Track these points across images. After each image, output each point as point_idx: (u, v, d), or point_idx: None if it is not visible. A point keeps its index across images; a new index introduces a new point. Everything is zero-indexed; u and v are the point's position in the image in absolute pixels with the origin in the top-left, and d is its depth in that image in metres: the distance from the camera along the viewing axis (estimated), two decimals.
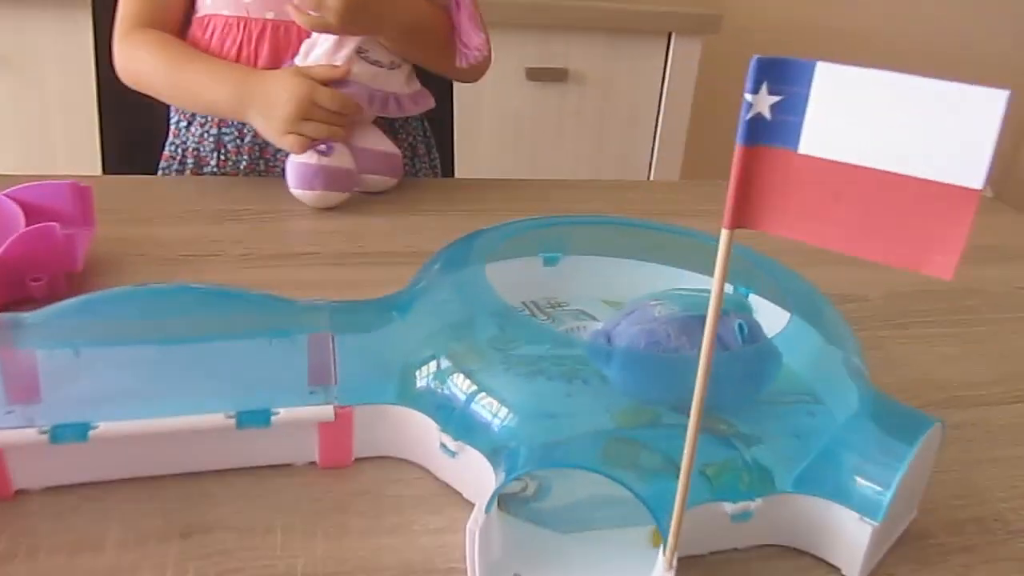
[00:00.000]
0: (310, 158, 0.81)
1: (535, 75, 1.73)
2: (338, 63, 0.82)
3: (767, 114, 0.28)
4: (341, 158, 0.82)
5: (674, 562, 0.36)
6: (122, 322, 0.45)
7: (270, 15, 0.85)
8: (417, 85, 0.90)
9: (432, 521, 0.43)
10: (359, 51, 0.83)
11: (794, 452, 0.44)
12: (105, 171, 1.10)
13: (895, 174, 0.27)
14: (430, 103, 0.91)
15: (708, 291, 0.52)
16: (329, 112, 0.81)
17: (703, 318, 0.50)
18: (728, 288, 0.59)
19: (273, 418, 0.43)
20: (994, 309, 0.73)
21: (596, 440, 0.42)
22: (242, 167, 0.92)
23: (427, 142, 1.04)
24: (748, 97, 0.28)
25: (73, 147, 1.61)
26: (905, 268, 0.27)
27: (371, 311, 0.50)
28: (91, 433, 0.41)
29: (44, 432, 0.41)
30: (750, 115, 0.28)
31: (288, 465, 0.46)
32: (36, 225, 0.58)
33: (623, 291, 0.63)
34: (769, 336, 0.48)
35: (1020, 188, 2.68)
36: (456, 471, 0.44)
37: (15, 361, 0.43)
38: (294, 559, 0.40)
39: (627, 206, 0.91)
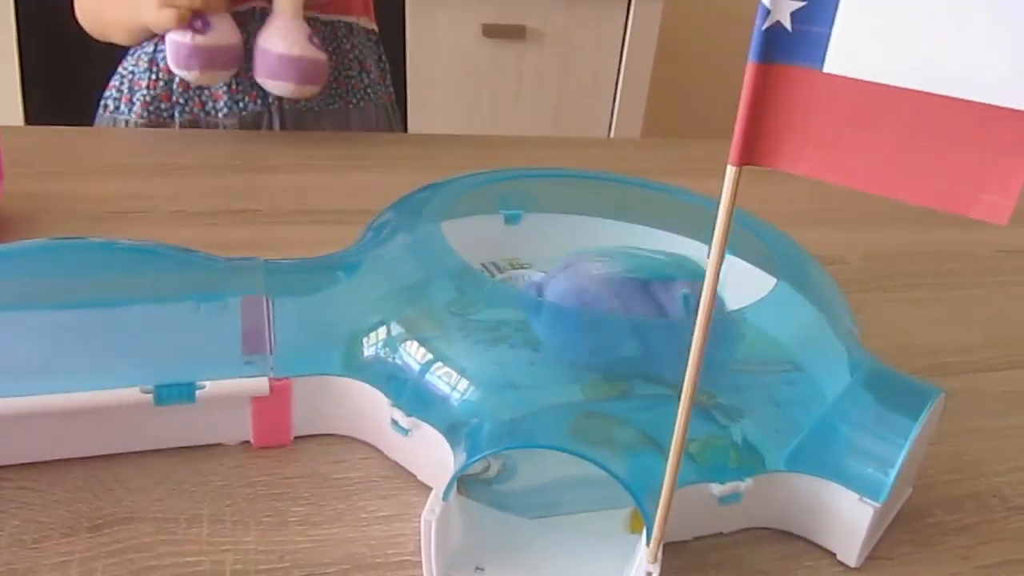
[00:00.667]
0: (184, 36, 0.75)
1: (492, 32, 1.66)
2: None
3: (787, 23, 0.23)
4: (220, 34, 0.75)
5: (659, 554, 0.32)
6: (23, 281, 0.38)
7: None
8: None
9: (382, 507, 0.38)
10: None
11: (780, 425, 0.40)
12: (28, 122, 1.02)
13: (940, 96, 0.22)
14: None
15: (661, 253, 0.48)
16: None
17: (643, 283, 0.46)
18: (700, 250, 0.55)
19: (198, 392, 0.38)
20: (978, 273, 0.69)
21: (565, 414, 0.38)
22: (174, 86, 0.86)
23: (381, 66, 0.98)
24: (764, 1, 0.23)
25: None
26: (950, 211, 0.23)
27: (313, 271, 0.44)
28: None
29: None
30: (766, 24, 0.23)
31: (217, 445, 0.41)
32: None
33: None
34: (751, 302, 0.44)
35: None
36: (409, 450, 0.39)
37: None
38: (222, 553, 0.35)
39: (590, 164, 0.86)
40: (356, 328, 0.41)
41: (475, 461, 0.34)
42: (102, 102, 0.92)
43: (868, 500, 0.36)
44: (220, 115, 0.86)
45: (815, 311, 0.46)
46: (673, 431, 0.29)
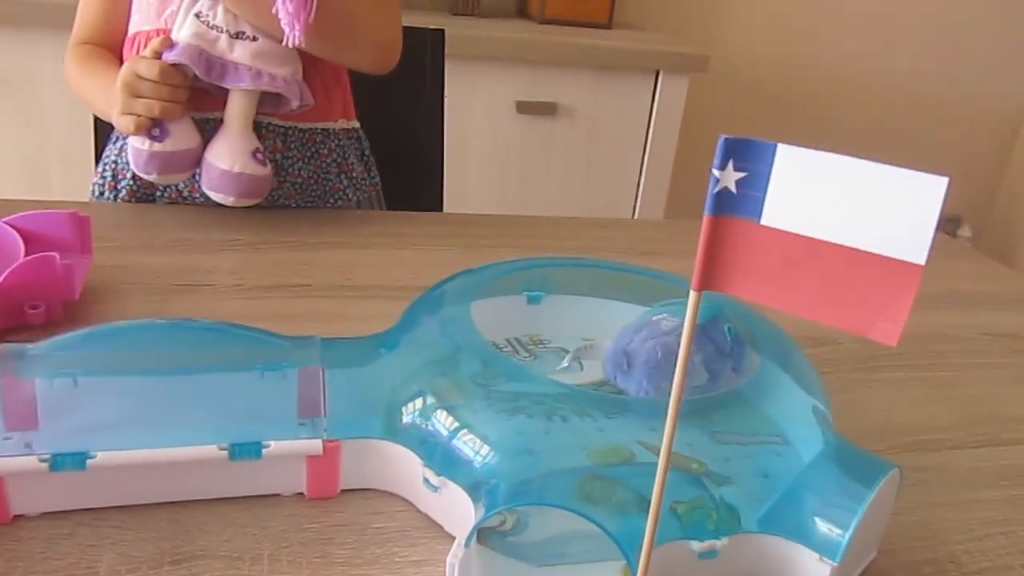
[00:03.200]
0: (143, 143, 0.79)
1: (525, 108, 1.76)
2: (180, 31, 0.79)
3: (733, 188, 0.30)
4: (177, 141, 0.80)
5: None
6: (120, 354, 0.47)
7: None
8: (281, 71, 0.82)
9: (413, 553, 0.45)
10: (198, 15, 0.80)
11: (761, 492, 0.46)
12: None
13: (847, 247, 0.29)
14: (291, 94, 0.83)
15: (679, 300, 0.56)
16: (153, 84, 0.77)
17: (704, 325, 0.54)
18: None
19: (264, 450, 0.45)
20: (962, 354, 0.76)
21: (572, 477, 0.45)
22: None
23: (364, 161, 1.00)
24: (715, 172, 0.30)
25: (69, 170, 1.63)
26: (855, 332, 0.30)
27: (360, 347, 0.52)
28: (89, 462, 0.43)
29: (44, 460, 0.43)
30: (717, 189, 0.30)
31: (276, 496, 0.48)
32: (36, 255, 0.60)
33: (602, 330, 0.65)
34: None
35: (996, 233, 2.73)
36: (438, 505, 0.46)
37: (15, 390, 0.45)
38: None
39: (611, 244, 0.94)
40: (395, 397, 0.48)
41: (492, 515, 0.41)
42: (91, 188, 0.97)
43: (827, 559, 0.42)
44: (197, 202, 0.90)
45: (798, 389, 0.52)
46: (668, 493, 0.36)
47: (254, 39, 0.81)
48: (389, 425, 0.47)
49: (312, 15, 0.75)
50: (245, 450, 0.45)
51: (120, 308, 0.66)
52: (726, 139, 0.30)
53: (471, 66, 1.69)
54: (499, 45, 1.73)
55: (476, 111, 1.74)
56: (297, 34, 0.76)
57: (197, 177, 0.84)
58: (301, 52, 0.83)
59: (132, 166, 0.82)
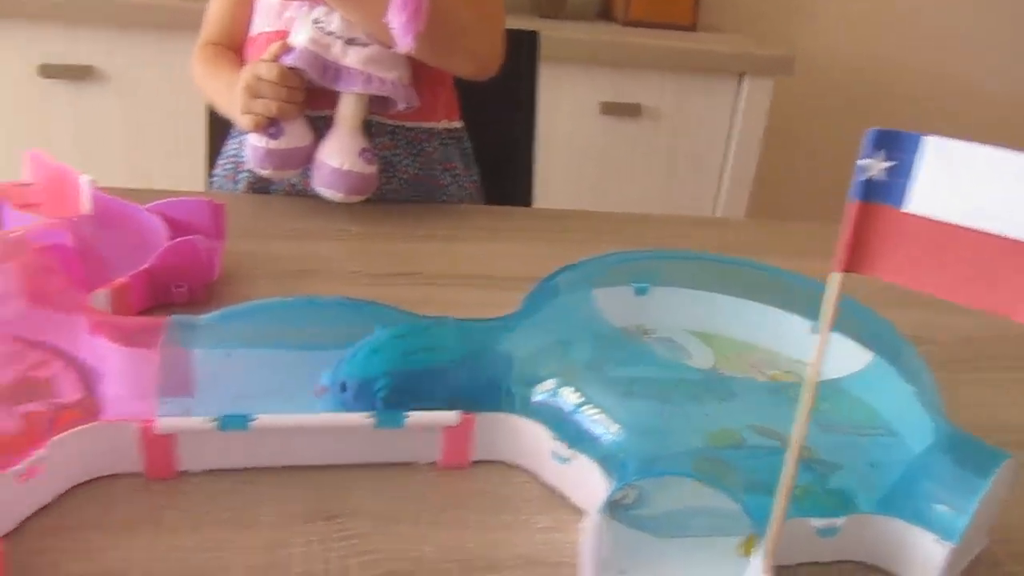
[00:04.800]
0: (260, 140, 0.85)
1: (609, 110, 1.79)
2: (297, 36, 0.84)
3: (879, 176, 0.32)
4: (292, 139, 0.85)
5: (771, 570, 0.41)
6: (276, 327, 0.51)
7: None
8: (391, 75, 0.86)
9: (541, 520, 0.48)
10: (315, 21, 0.84)
11: (871, 479, 0.48)
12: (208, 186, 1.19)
13: (991, 234, 0.31)
14: (400, 97, 0.87)
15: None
16: (272, 85, 0.82)
17: None
18: (803, 325, 0.64)
19: (406, 420, 0.49)
20: None
21: (688, 457, 0.47)
22: None
23: (464, 159, 1.04)
24: (862, 163, 0.32)
25: (170, 164, 1.71)
26: (995, 314, 0.32)
27: (489, 328, 0.55)
28: (251, 424, 0.47)
29: (213, 421, 0.47)
30: (864, 177, 0.33)
31: (410, 464, 0.52)
32: (183, 238, 0.65)
33: (706, 323, 0.67)
34: (850, 373, 0.52)
35: None
36: (565, 477, 0.49)
37: (177, 358, 0.49)
38: (423, 546, 0.45)
39: (699, 242, 0.96)
40: (525, 375, 0.51)
41: (624, 486, 0.44)
42: (211, 179, 1.04)
43: (944, 541, 0.44)
44: (309, 195, 0.94)
45: (907, 385, 0.54)
46: (777, 475, 0.39)
47: (366, 45, 0.85)
48: (520, 401, 0.51)
49: (423, 24, 0.79)
50: (389, 419, 0.49)
51: (252, 290, 0.70)
52: (875, 131, 0.32)
53: (556, 68, 1.72)
54: (583, 47, 1.76)
55: (561, 112, 1.77)
56: (408, 41, 0.80)
57: (308, 173, 0.88)
58: (408, 57, 0.86)
59: (250, 161, 0.87)
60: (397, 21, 0.79)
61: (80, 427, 0.46)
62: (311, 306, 0.53)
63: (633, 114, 1.81)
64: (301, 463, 0.50)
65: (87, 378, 0.51)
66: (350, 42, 0.84)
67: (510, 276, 0.79)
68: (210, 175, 1.05)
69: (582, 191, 1.84)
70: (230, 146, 1.01)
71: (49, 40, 1.60)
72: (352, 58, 0.84)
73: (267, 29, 0.91)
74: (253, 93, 0.83)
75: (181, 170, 1.67)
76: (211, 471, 0.49)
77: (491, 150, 1.15)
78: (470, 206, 1.01)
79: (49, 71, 1.61)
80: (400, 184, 0.94)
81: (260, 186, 0.96)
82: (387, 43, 0.84)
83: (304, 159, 0.87)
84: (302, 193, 0.94)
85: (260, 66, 0.83)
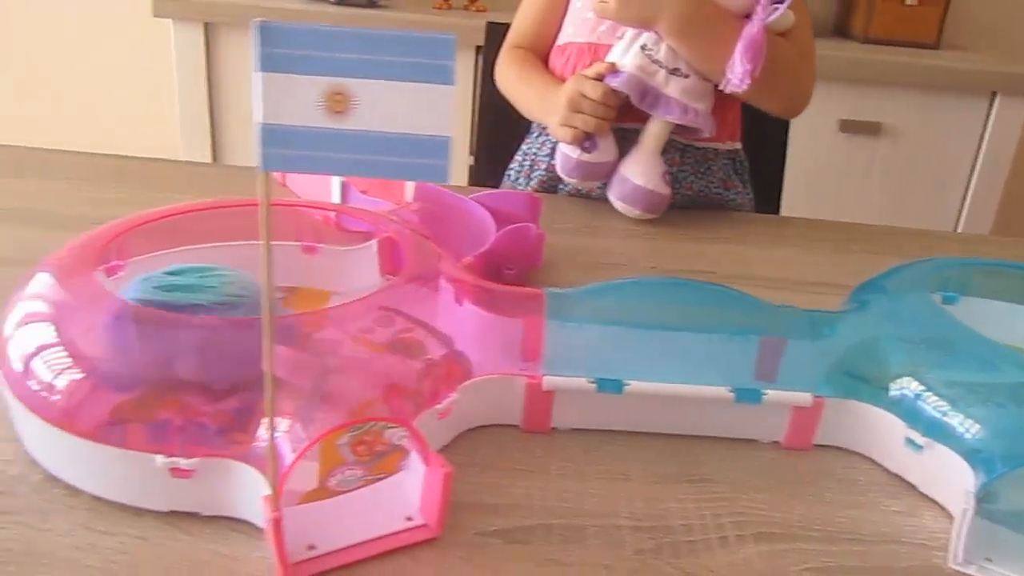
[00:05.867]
0: (574, 152, 0.90)
1: (848, 127, 1.76)
2: (624, 59, 0.89)
3: None
4: (602, 154, 0.91)
5: None
6: (643, 304, 0.56)
7: (616, 40, 0.93)
8: (701, 105, 0.90)
9: (893, 504, 0.50)
10: (643, 47, 0.89)
11: None
12: (471, 180, 1.28)
13: None
14: (705, 127, 0.91)
15: None
16: (595, 103, 0.87)
17: None
18: None
19: (763, 397, 0.52)
20: None
21: None
22: None
23: (741, 177, 1.06)
24: None
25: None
26: None
27: (826, 322, 0.57)
28: (625, 388, 0.52)
29: (592, 382, 0.52)
30: None
31: (754, 441, 0.55)
32: (518, 225, 0.71)
33: (1017, 336, 0.67)
34: None
35: None
36: (917, 465, 0.51)
37: (551, 330, 0.55)
38: (781, 515, 0.49)
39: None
40: (877, 366, 0.53)
41: (997, 476, 0.45)
42: (506, 172, 1.12)
43: None
44: (592, 197, 1.00)
45: None
46: None
47: (686, 76, 0.90)
48: (872, 392, 0.53)
49: (760, 69, 0.84)
50: (748, 395, 0.52)
51: (569, 277, 0.76)
52: None
53: None
54: (822, 63, 1.73)
55: (798, 128, 1.75)
56: (745, 85, 0.85)
57: (604, 184, 0.94)
58: (714, 86, 0.91)
59: (559, 169, 0.94)
60: (740, 65, 0.85)
61: (481, 377, 0.52)
62: (678, 287, 0.57)
63: (873, 132, 1.77)
64: (659, 430, 0.54)
65: (445, 341, 0.57)
66: (673, 72, 0.89)
67: (798, 280, 0.82)
68: (475, 166, 1.13)
69: (820, 206, 1.82)
70: (531, 145, 1.08)
71: None
72: (673, 88, 0.89)
73: (578, 40, 0.98)
74: (575, 107, 0.89)
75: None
76: (577, 429, 0.54)
77: (750, 164, 1.17)
78: (750, 214, 1.04)
79: None
80: (682, 199, 0.98)
81: (550, 185, 1.03)
82: (712, 79, 0.90)
83: (607, 173, 0.93)
84: (584, 195, 1.00)
85: (585, 84, 0.89)
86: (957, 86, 1.75)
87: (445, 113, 0.33)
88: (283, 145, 0.33)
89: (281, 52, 0.33)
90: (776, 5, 0.85)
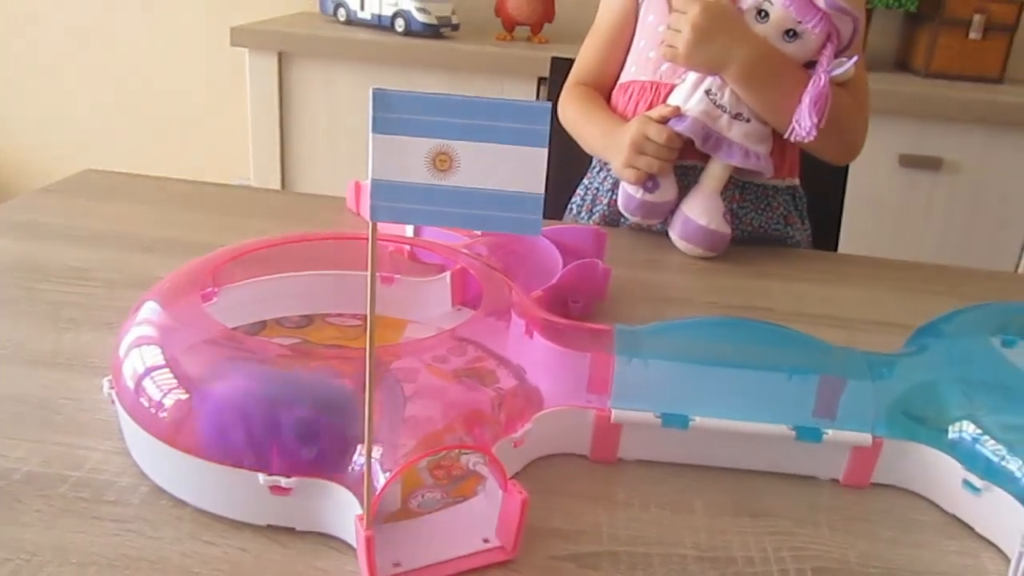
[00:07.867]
0: (636, 192, 0.93)
1: (908, 162, 1.76)
2: (688, 103, 0.91)
3: None
4: (664, 193, 0.93)
5: None
6: (710, 343, 0.58)
7: (678, 80, 0.96)
8: (762, 148, 0.93)
9: (950, 544, 0.52)
10: (707, 92, 0.91)
11: None
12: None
13: None
14: (765, 169, 0.94)
15: None
16: (659, 146, 0.90)
17: None
18: None
19: (824, 436, 0.54)
20: None
21: None
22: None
23: (800, 212, 1.08)
24: None
25: None
26: None
27: (886, 363, 0.59)
28: (691, 423, 0.55)
29: (658, 417, 0.55)
30: None
31: (812, 478, 0.57)
32: (585, 260, 0.75)
33: None
34: None
35: None
36: (974, 507, 0.53)
37: (617, 365, 0.57)
38: (840, 551, 0.51)
39: (1010, 298, 0.93)
40: (934, 408, 0.55)
41: None
42: (568, 206, 1.14)
43: None
44: (653, 232, 1.02)
45: None
46: None
47: (748, 121, 0.92)
48: (931, 434, 0.55)
49: (824, 120, 0.88)
50: (809, 434, 0.54)
51: (632, 311, 0.79)
52: None
53: None
54: (882, 98, 1.73)
55: (858, 162, 1.75)
56: (811, 136, 0.88)
57: (663, 222, 0.97)
58: (773, 130, 0.94)
59: (621, 207, 0.97)
60: (807, 117, 0.88)
61: (553, 408, 0.56)
62: (741, 327, 0.60)
63: (934, 167, 1.77)
64: (722, 464, 0.57)
65: (517, 372, 0.60)
66: (736, 116, 0.92)
67: (853, 318, 0.83)
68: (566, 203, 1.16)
69: (879, 242, 1.81)
70: (593, 180, 1.11)
71: None
72: (735, 132, 0.92)
73: (640, 78, 1.01)
74: (639, 149, 0.92)
75: None
76: (642, 460, 0.57)
77: (808, 201, 1.18)
78: (808, 251, 1.06)
79: None
80: (742, 235, 1.00)
81: (612, 219, 1.06)
82: (773, 125, 0.93)
83: (667, 212, 0.96)
84: (646, 229, 1.02)
85: (650, 127, 0.92)
86: (1022, 121, 1.74)
87: (538, 173, 0.37)
88: (392, 199, 0.37)
89: (393, 117, 0.36)
90: (841, 59, 0.88)
